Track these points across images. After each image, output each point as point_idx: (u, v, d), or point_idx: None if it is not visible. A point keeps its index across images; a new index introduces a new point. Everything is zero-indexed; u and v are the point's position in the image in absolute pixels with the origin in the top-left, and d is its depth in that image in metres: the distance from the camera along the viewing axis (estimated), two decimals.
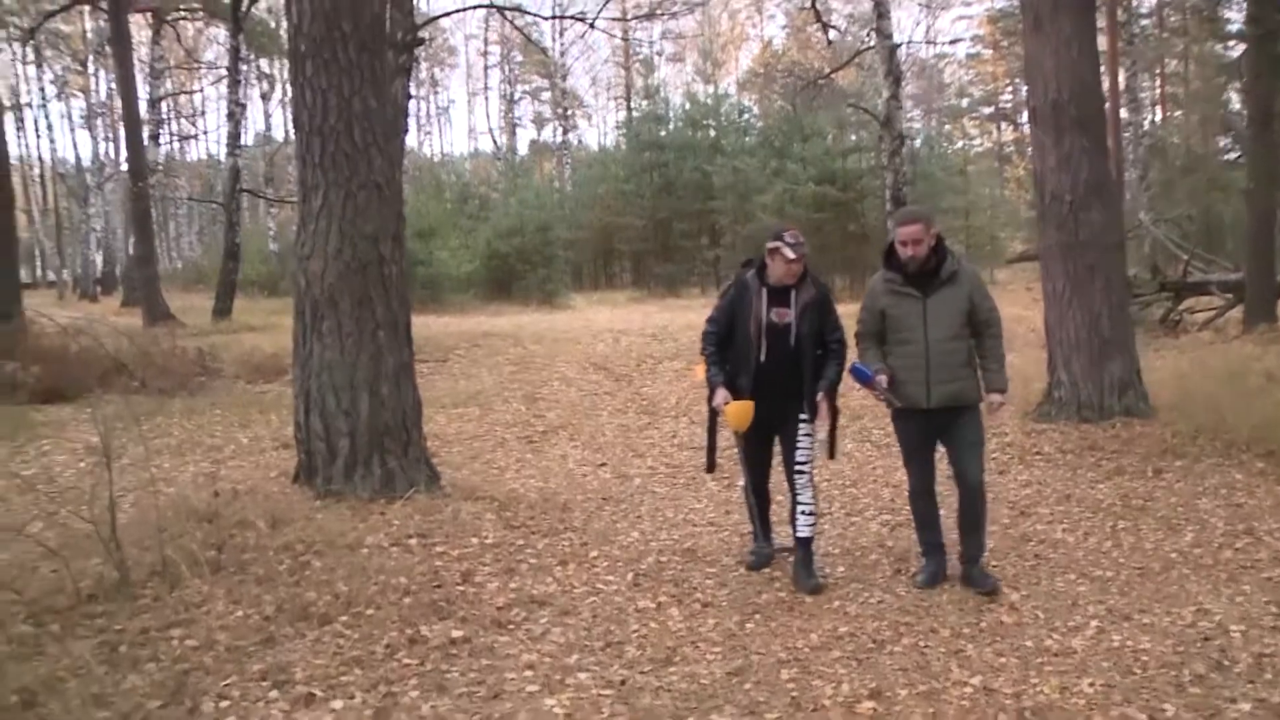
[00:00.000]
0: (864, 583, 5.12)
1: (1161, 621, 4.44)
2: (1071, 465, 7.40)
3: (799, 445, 5.09)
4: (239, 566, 4.89)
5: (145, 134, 24.26)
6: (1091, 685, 3.81)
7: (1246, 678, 3.85)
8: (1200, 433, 7.69)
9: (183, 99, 47.92)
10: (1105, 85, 17.16)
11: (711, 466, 5.53)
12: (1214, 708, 3.63)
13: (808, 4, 21.62)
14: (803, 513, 5.09)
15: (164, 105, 35.43)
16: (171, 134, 47.85)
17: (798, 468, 5.10)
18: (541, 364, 12.88)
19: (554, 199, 34.98)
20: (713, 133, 35.16)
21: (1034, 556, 5.45)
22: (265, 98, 44.90)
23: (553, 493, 7.11)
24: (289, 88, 9.35)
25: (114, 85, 34.63)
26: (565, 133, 47.95)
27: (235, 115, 23.91)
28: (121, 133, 34.15)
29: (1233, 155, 27.47)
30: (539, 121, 60.15)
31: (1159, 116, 38.74)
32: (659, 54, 55.48)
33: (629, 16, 27.60)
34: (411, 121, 27.96)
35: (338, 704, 3.65)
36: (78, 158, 49.04)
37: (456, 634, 4.31)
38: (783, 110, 34.09)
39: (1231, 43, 25.96)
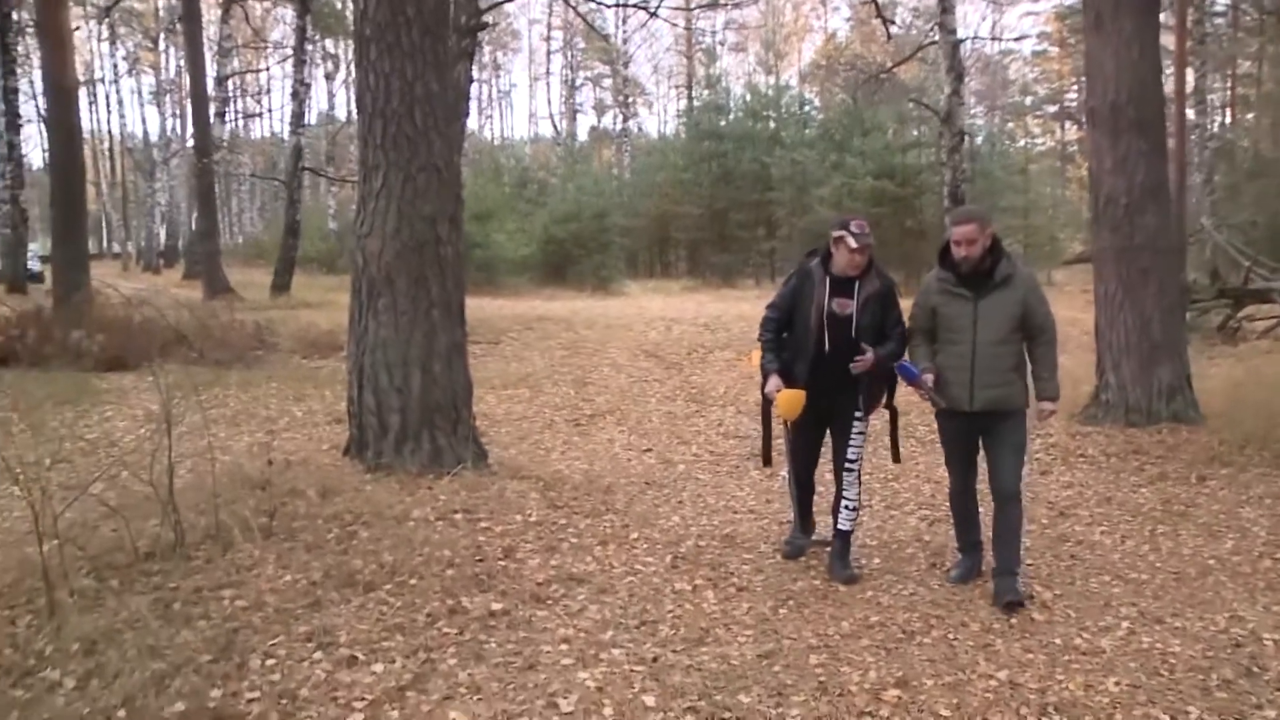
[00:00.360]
0: (898, 575, 5.16)
1: (1193, 626, 4.44)
2: (1114, 469, 7.37)
3: (851, 441, 5.10)
4: (289, 533, 5.06)
5: (211, 111, 24.77)
6: (1117, 685, 3.84)
7: (1275, 685, 3.85)
8: (1249, 441, 7.61)
9: (249, 77, 48.86)
10: (1172, 86, 16.90)
11: (768, 460, 5.55)
12: (1239, 713, 3.64)
13: None
14: (846, 507, 5.13)
15: (230, 83, 36.01)
16: (237, 111, 48.94)
17: (848, 464, 5.11)
18: (593, 349, 13.02)
19: (612, 186, 35.20)
20: (773, 124, 35.05)
21: (1070, 557, 5.46)
22: (329, 78, 45.67)
23: (597, 475, 7.22)
24: (353, 69, 9.53)
25: (183, 62, 35.52)
26: (625, 120, 48.12)
27: (299, 94, 24.34)
28: (188, 109, 35.00)
29: None
30: (599, 108, 60.41)
31: (1228, 119, 37.90)
32: (721, 43, 55.64)
33: (692, 5, 27.50)
34: (473, 104, 28.14)
35: (379, 667, 3.79)
36: (145, 133, 50.52)
37: (496, 606, 4.41)
38: (843, 103, 33.95)
39: None
